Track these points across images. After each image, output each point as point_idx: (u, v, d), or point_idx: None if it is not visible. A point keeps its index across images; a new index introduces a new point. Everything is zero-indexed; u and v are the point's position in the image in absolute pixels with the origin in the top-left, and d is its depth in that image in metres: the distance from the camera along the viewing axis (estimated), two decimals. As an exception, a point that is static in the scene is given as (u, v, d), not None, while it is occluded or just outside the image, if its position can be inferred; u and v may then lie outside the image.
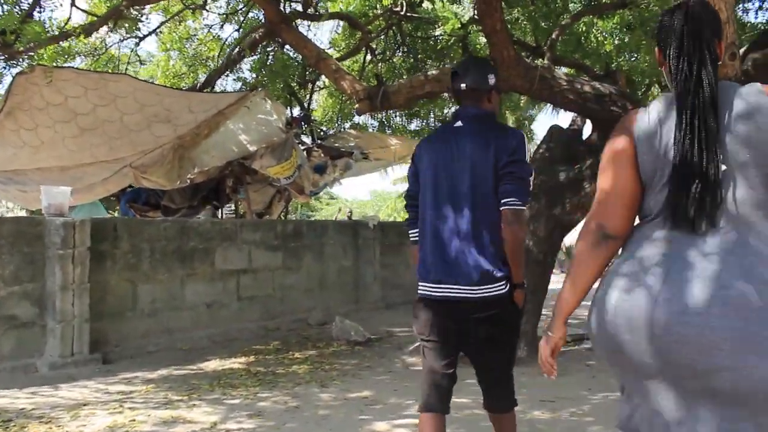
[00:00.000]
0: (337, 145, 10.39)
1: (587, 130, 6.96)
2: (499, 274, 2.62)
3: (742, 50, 4.63)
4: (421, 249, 2.81)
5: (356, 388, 5.39)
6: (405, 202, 3.02)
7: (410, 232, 2.95)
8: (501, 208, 2.61)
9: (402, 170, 20.37)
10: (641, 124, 1.81)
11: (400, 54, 10.53)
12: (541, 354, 2.01)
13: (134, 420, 4.44)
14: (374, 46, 10.48)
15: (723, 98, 1.72)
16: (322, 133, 11.69)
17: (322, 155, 9.94)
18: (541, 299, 6.35)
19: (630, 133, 1.82)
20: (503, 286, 2.63)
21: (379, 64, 10.35)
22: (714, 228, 1.65)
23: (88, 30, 6.98)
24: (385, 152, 10.40)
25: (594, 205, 1.87)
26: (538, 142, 7.37)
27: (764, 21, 7.71)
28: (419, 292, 2.78)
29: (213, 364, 6.44)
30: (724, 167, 1.66)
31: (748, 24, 7.55)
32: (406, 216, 3.02)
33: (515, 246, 2.62)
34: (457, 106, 2.91)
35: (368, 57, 10.51)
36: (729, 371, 1.53)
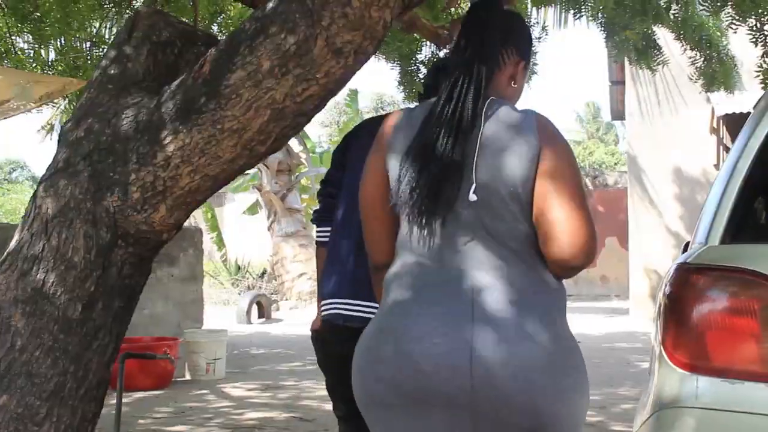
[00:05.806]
0: None
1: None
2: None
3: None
4: (332, 257, 2.14)
5: None
6: (320, 188, 2.32)
7: (318, 229, 2.25)
8: None
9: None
10: (394, 141, 1.51)
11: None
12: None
13: None
14: None
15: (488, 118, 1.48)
16: None
17: None
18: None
19: (383, 150, 1.52)
20: None
21: None
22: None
23: None
24: None
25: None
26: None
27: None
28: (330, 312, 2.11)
29: None
30: (474, 197, 1.42)
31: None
32: None
33: None
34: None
35: None
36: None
